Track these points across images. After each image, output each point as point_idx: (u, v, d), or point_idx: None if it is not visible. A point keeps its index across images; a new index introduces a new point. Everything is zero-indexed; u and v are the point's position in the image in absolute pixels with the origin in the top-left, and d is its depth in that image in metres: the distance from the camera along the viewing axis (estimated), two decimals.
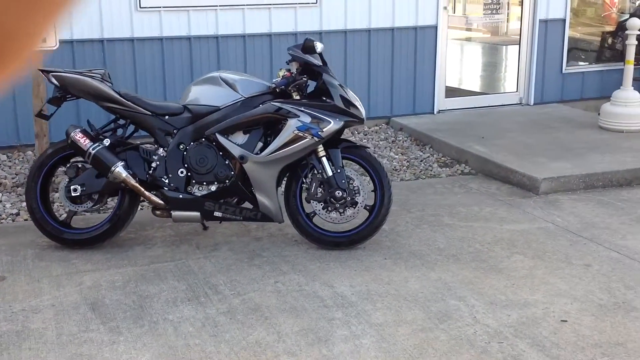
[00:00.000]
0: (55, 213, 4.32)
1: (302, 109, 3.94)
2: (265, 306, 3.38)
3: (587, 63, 8.06)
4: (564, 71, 7.75)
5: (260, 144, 4.02)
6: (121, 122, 4.19)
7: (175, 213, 4.07)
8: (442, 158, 6.26)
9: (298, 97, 4.01)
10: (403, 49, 7.22)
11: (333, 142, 4.09)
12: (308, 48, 3.94)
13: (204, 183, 4.06)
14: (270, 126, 4.05)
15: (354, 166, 4.40)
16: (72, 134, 4.04)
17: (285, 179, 4.16)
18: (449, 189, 5.38)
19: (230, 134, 4.03)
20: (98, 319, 3.25)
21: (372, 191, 4.14)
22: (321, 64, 4.03)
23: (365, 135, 6.98)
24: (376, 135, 6.97)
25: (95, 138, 4.06)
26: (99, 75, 4.15)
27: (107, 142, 4.07)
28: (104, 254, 4.09)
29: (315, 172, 4.05)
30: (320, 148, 4.03)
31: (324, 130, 3.92)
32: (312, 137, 3.91)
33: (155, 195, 4.06)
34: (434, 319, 3.24)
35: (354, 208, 4.06)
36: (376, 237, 4.23)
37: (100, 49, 6.04)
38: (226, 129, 4.01)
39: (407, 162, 6.18)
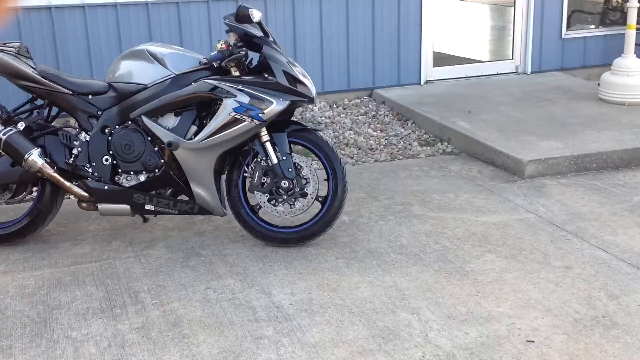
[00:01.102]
0: None
1: (240, 87, 3.47)
2: (187, 320, 2.96)
3: (590, 27, 7.48)
4: (563, 36, 7.20)
5: (194, 128, 3.56)
6: (39, 102, 3.74)
7: (101, 206, 3.65)
8: (424, 135, 5.78)
9: (237, 74, 3.53)
10: (385, 11, 6.69)
11: (280, 124, 3.63)
12: (242, 17, 3.46)
13: (132, 172, 3.62)
14: (205, 107, 3.59)
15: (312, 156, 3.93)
16: None
17: (227, 167, 3.71)
18: (426, 172, 4.92)
19: (159, 116, 3.58)
20: None
21: (325, 180, 3.69)
22: (261, 34, 3.54)
23: (345, 109, 6.50)
24: (356, 109, 6.49)
25: (7, 121, 3.63)
26: (14, 49, 3.68)
27: (21, 125, 3.64)
28: (24, 252, 3.69)
29: (259, 159, 3.60)
30: (264, 132, 3.57)
31: (265, 111, 3.45)
32: (252, 120, 3.45)
33: (77, 186, 3.64)
34: (378, 337, 2.81)
35: (304, 200, 3.62)
36: (333, 232, 3.80)
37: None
38: (153, 110, 3.55)
39: (386, 139, 5.71)
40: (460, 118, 5.69)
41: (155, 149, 3.58)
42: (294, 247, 3.67)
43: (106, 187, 3.61)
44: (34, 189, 3.80)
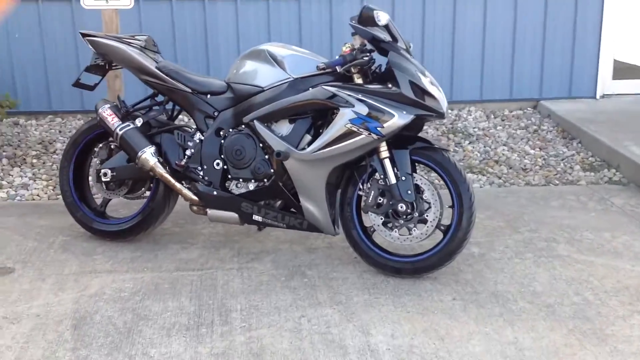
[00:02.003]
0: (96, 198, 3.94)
1: (360, 96, 3.17)
2: (271, 352, 2.74)
3: None
4: None
5: (307, 138, 3.32)
6: (160, 98, 3.69)
7: (210, 212, 3.53)
8: (590, 159, 5.15)
9: (360, 81, 3.24)
10: (558, 14, 6.06)
11: (403, 140, 3.29)
12: (366, 19, 3.15)
13: (241, 180, 3.46)
14: (322, 116, 3.33)
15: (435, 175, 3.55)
16: (99, 110, 3.61)
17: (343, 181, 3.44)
18: (583, 203, 4.34)
19: (273, 122, 3.37)
20: (72, 343, 2.80)
21: (449, 207, 3.30)
22: (389, 38, 3.22)
23: (503, 120, 6.00)
24: (516, 122, 5.96)
25: (125, 116, 3.60)
26: (140, 42, 3.66)
27: (139, 121, 3.60)
28: (133, 251, 3.67)
29: (376, 177, 3.29)
30: (383, 147, 3.25)
31: (384, 125, 3.13)
32: (370, 134, 3.14)
33: (188, 188, 3.54)
34: None
35: (424, 227, 3.26)
36: (456, 265, 3.42)
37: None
38: (266, 115, 3.36)
39: (543, 160, 5.16)
40: (635, 142, 4.99)
41: (266, 157, 3.39)
42: (408, 278, 3.32)
43: (215, 193, 3.48)
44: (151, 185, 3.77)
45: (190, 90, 3.54)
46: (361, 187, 3.33)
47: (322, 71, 3.20)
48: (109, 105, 3.61)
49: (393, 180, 3.24)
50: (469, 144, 5.55)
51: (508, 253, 3.62)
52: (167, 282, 3.32)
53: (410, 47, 3.41)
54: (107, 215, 3.83)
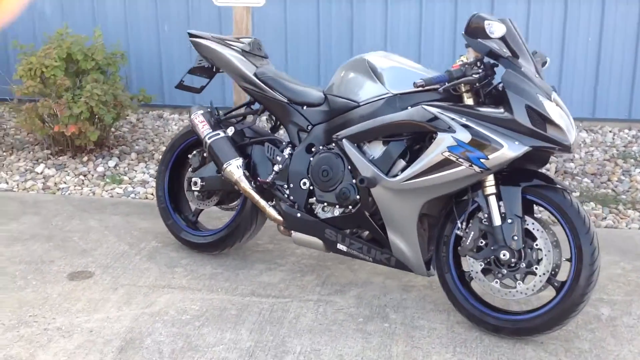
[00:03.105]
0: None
1: (464, 120, 2.72)
2: None
3: None
4: None
5: (401, 164, 2.93)
6: (256, 107, 3.48)
7: (294, 234, 3.26)
8: None
9: (471, 102, 2.79)
10: None
11: (518, 174, 2.80)
12: (476, 30, 2.68)
13: (326, 203, 3.14)
14: (420, 139, 2.92)
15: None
16: (192, 117, 3.47)
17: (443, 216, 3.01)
18: None
19: (366, 142, 3.02)
20: None
21: (567, 260, 2.76)
22: (508, 52, 2.73)
23: None
24: None
25: (217, 124, 3.43)
26: (243, 45, 3.46)
27: (230, 130, 3.41)
28: (216, 267, 3.50)
29: (480, 215, 2.83)
30: (490, 182, 2.78)
31: (489, 157, 2.66)
32: (471, 165, 2.69)
33: (273, 207, 3.29)
34: None
35: (532, 281, 2.75)
36: (571, 329, 2.87)
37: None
38: (358, 134, 3.01)
39: None
40: None
41: (354, 181, 3.04)
42: (508, 338, 2.83)
43: (299, 215, 3.20)
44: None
45: (286, 100, 3.28)
46: (460, 225, 2.88)
47: (419, 88, 2.78)
48: (202, 112, 3.46)
49: (498, 221, 2.76)
50: (639, 172, 4.80)
51: None
52: (236, 307, 3.09)
53: (545, 63, 2.91)
54: (199, 226, 3.69)
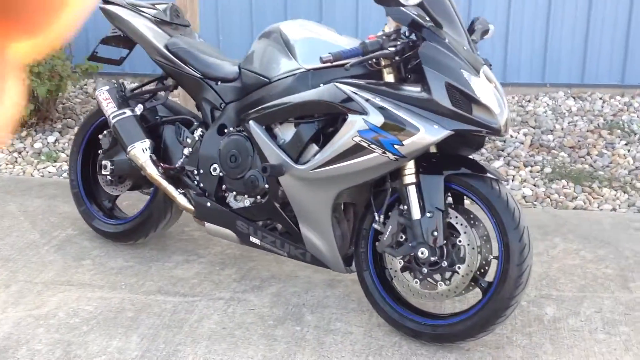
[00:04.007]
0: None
1: (378, 101, 2.40)
2: None
3: None
4: None
5: (314, 149, 2.61)
6: (170, 82, 3.18)
7: (207, 225, 2.98)
8: None
9: (391, 79, 2.46)
10: None
11: (445, 161, 2.50)
12: None
13: (234, 192, 2.86)
14: (334, 122, 2.60)
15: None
16: (97, 93, 3.17)
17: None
18: None
19: (277, 125, 2.71)
20: None
21: (494, 258, 2.46)
22: (430, 22, 2.40)
23: None
24: None
25: (124, 101, 3.13)
26: (157, 12, 3.14)
27: (139, 109, 3.11)
28: (129, 259, 3.24)
29: (401, 206, 2.52)
30: (409, 169, 2.47)
31: (404, 142, 2.34)
32: (384, 152, 2.38)
33: (184, 195, 3.01)
34: None
35: (455, 280, 2.46)
36: (506, 333, 2.58)
37: None
38: (265, 115, 2.70)
39: None
40: None
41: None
42: (429, 344, 2.55)
43: (209, 204, 2.91)
44: None
45: (199, 75, 2.97)
46: (377, 218, 2.57)
47: (326, 64, 2.44)
48: (107, 88, 3.16)
49: (417, 215, 2.45)
50: (625, 145, 4.44)
51: (595, 322, 2.68)
52: (135, 308, 2.83)
53: (487, 32, 2.58)
54: (115, 213, 3.42)
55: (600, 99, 5.15)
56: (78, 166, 3.40)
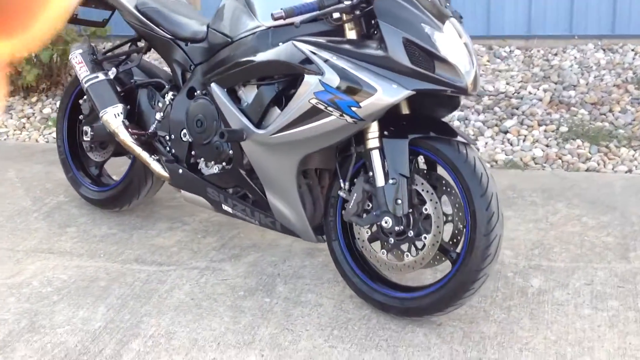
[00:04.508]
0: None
1: (335, 60, 2.27)
2: None
3: None
4: None
5: (276, 112, 2.51)
6: (142, 44, 3.11)
7: (182, 192, 2.93)
8: None
9: (354, 35, 2.32)
10: None
11: (408, 123, 2.37)
12: None
13: (202, 158, 2.79)
14: (295, 83, 2.49)
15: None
16: (70, 57, 3.13)
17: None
18: None
19: (240, 87, 2.61)
20: None
21: (463, 228, 2.33)
22: None
23: None
24: None
25: (97, 65, 3.08)
26: None
27: (112, 73, 3.06)
28: (113, 226, 3.23)
29: (368, 173, 2.41)
30: (373, 132, 2.34)
31: (361, 104, 2.22)
32: (342, 115, 2.26)
33: (158, 161, 2.96)
34: None
35: (422, 252, 2.34)
36: (485, 306, 2.46)
37: None
38: (225, 77, 2.60)
39: None
40: None
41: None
42: (398, 317, 2.45)
43: (180, 171, 2.85)
44: None
45: (169, 36, 2.89)
46: (342, 185, 2.47)
47: (278, 21, 2.31)
48: (80, 51, 3.11)
49: (380, 182, 2.33)
50: None
51: (584, 295, 2.53)
52: (109, 277, 2.81)
53: None
54: (103, 180, 3.40)
55: (632, 50, 4.84)
56: (64, 132, 3.38)
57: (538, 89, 4.33)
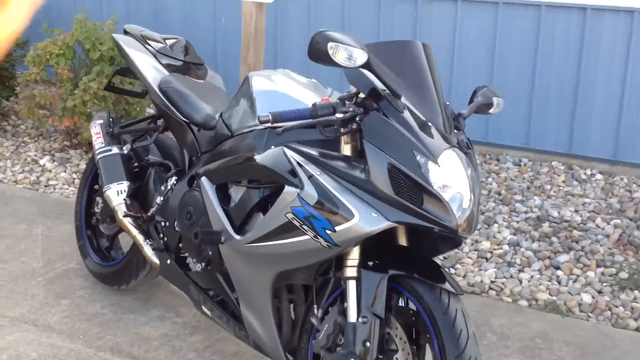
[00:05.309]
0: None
1: (319, 174, 2.07)
2: None
3: None
4: None
5: (258, 218, 2.32)
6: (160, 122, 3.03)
7: (172, 284, 2.78)
8: None
9: (348, 149, 2.11)
10: None
11: (392, 254, 2.12)
12: (317, 53, 1.99)
13: (187, 253, 2.63)
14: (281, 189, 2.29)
15: None
16: (90, 125, 3.09)
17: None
18: None
19: (232, 185, 2.45)
20: None
21: None
22: (381, 87, 2.04)
23: None
24: None
25: (114, 138, 3.02)
26: (164, 47, 3.02)
27: (126, 148, 2.99)
28: (107, 305, 3.13)
29: (343, 303, 2.16)
30: (352, 260, 2.10)
31: (336, 229, 2.00)
32: (316, 236, 2.04)
33: (151, 246, 2.83)
34: None
35: None
36: None
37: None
38: (214, 173, 2.46)
39: None
40: None
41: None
42: None
43: (168, 262, 2.71)
44: None
45: (184, 119, 2.79)
46: (315, 312, 2.23)
47: (265, 125, 2.12)
48: (101, 122, 3.06)
49: (353, 317, 2.08)
50: None
51: None
52: None
53: (490, 105, 2.22)
54: (112, 253, 3.30)
55: None
56: (83, 199, 3.34)
57: (608, 223, 3.92)
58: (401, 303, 2.14)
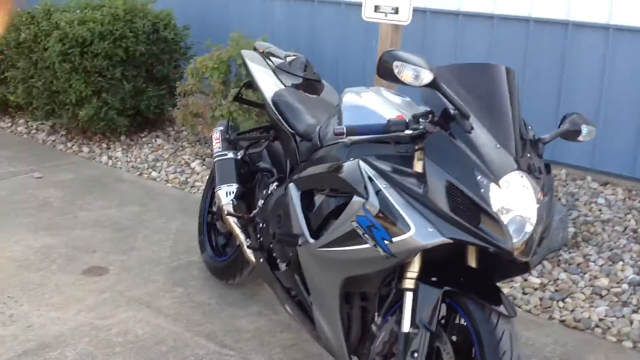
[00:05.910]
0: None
1: (386, 188, 2.14)
2: None
3: None
4: None
5: (332, 225, 2.43)
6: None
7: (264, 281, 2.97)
8: None
9: (420, 165, 2.18)
10: None
11: (451, 271, 2.16)
12: (384, 71, 2.06)
13: (273, 254, 2.80)
14: None
15: None
16: (212, 131, 3.36)
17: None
18: None
19: (317, 192, 2.59)
20: None
21: None
22: (451, 107, 2.09)
23: None
24: None
25: (230, 144, 3.27)
26: (282, 63, 3.23)
27: (240, 153, 3.23)
28: (214, 296, 3.37)
29: (401, 311, 2.23)
30: (411, 272, 2.17)
31: (393, 240, 2.08)
32: (375, 246, 2.13)
33: (249, 244, 3.03)
34: None
35: None
36: None
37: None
38: (301, 180, 2.61)
39: None
40: None
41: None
42: None
43: (261, 260, 2.90)
44: None
45: (290, 130, 2.97)
46: (375, 319, 2.30)
47: (339, 137, 2.23)
48: (222, 128, 3.33)
49: (406, 327, 2.14)
50: None
51: None
52: (172, 345, 2.95)
53: (580, 133, 2.23)
54: (225, 250, 3.53)
55: None
56: (208, 198, 3.60)
57: None
58: (458, 320, 2.15)
